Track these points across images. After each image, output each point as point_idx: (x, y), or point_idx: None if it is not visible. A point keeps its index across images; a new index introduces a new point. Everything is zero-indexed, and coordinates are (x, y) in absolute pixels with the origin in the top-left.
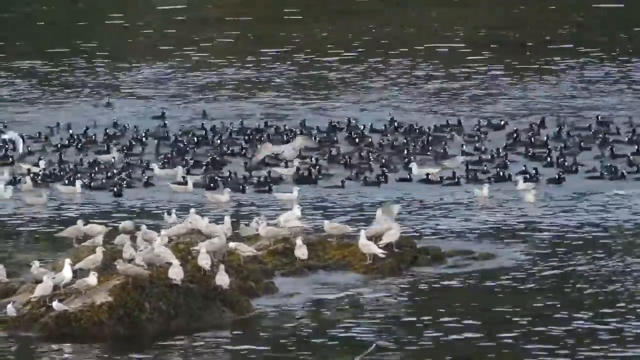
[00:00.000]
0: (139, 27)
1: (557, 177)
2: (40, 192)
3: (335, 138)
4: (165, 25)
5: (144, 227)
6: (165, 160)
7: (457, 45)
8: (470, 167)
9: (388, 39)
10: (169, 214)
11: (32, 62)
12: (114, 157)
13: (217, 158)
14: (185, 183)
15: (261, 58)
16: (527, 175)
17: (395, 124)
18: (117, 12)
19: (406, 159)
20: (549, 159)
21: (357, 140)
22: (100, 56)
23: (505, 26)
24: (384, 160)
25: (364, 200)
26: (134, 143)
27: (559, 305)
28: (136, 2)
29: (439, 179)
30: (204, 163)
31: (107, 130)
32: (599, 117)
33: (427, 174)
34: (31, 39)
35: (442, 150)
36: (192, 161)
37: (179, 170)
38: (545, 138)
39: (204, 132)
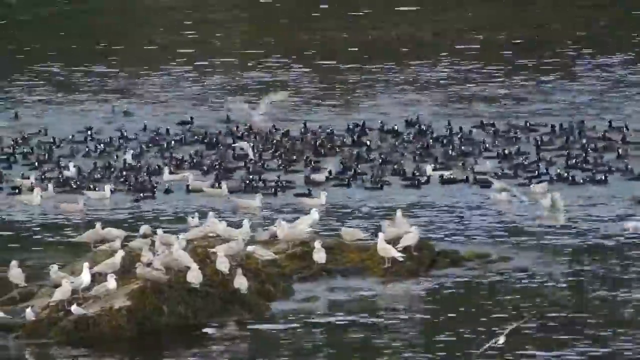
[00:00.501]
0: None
1: (600, 178)
2: (76, 197)
3: (368, 140)
4: (180, 27)
5: (160, 231)
6: (175, 164)
7: (476, 46)
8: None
9: (406, 39)
10: (192, 217)
11: (51, 65)
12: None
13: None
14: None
15: (279, 60)
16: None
17: (421, 126)
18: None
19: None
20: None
21: (394, 141)
22: (117, 60)
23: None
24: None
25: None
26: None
27: (578, 308)
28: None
29: (451, 180)
30: (212, 167)
31: (125, 134)
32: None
33: (441, 175)
34: (49, 41)
35: (472, 153)
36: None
37: (190, 176)
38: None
39: (215, 136)
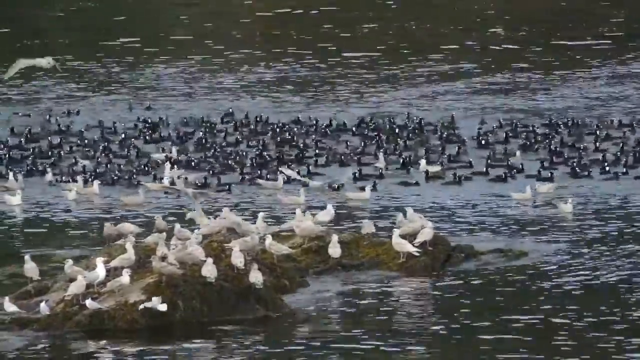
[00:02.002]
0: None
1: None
2: (137, 191)
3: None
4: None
5: (177, 225)
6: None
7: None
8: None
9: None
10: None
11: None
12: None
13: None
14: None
15: (295, 55)
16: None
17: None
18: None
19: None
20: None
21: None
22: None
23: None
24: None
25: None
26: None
27: (592, 304)
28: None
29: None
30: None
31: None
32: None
33: (427, 171)
34: (70, 36)
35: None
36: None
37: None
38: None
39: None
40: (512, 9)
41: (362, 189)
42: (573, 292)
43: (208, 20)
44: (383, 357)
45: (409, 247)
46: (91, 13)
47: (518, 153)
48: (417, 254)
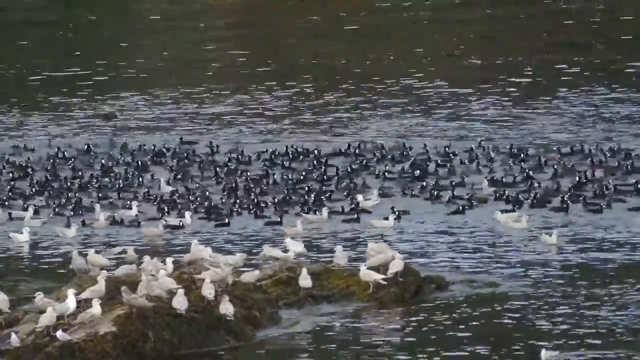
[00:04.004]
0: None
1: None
2: (156, 223)
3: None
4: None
5: (147, 257)
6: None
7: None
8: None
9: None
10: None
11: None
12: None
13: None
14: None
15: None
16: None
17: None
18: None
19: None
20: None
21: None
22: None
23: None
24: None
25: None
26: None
27: (565, 334)
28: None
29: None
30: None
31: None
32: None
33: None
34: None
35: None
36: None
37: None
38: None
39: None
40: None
41: (386, 218)
42: (542, 323)
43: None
44: None
45: (376, 276)
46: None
47: (485, 183)
48: (384, 282)
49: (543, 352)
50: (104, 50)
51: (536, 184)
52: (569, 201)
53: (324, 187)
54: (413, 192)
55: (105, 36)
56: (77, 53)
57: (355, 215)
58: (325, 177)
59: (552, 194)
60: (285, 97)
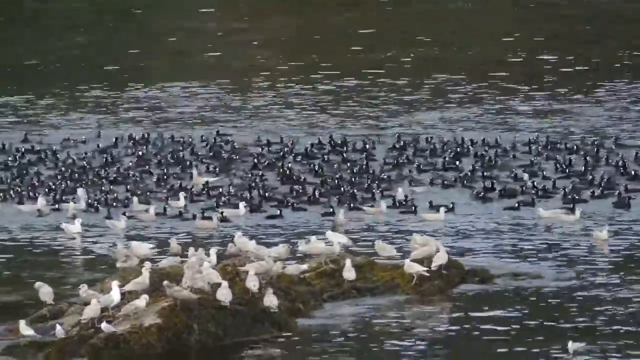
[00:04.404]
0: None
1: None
2: (211, 215)
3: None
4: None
5: (191, 249)
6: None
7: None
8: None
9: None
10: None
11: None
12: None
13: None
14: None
15: (312, 76)
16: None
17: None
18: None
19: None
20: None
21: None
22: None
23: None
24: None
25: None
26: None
27: (608, 327)
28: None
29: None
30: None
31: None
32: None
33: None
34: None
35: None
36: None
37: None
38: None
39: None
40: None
41: (437, 210)
42: (589, 316)
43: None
44: None
45: (419, 269)
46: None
47: (526, 176)
48: (428, 275)
49: (570, 344)
50: (148, 43)
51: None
52: (628, 196)
53: (379, 177)
54: (460, 183)
55: (150, 30)
56: (120, 46)
57: (413, 208)
58: (380, 169)
59: (612, 186)
60: (329, 90)
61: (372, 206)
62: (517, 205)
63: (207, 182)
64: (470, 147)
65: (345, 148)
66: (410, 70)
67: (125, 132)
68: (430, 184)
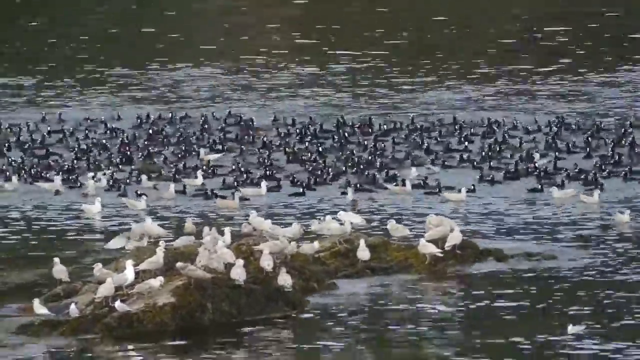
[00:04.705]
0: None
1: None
2: (232, 195)
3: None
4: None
5: (206, 228)
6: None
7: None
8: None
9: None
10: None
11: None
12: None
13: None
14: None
15: (321, 58)
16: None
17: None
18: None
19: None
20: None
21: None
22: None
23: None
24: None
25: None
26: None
27: (625, 308)
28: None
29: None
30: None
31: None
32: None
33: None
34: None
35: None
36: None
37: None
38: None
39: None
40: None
41: (459, 190)
42: (603, 297)
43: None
44: (409, 359)
45: (433, 249)
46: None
47: (537, 156)
48: (441, 255)
49: (570, 327)
50: (164, 24)
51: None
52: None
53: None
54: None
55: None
56: (139, 26)
57: (438, 190)
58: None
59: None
60: (344, 70)
61: (397, 185)
62: (540, 187)
63: (208, 162)
64: (486, 127)
65: (351, 129)
66: (427, 51)
67: (139, 111)
68: (443, 165)
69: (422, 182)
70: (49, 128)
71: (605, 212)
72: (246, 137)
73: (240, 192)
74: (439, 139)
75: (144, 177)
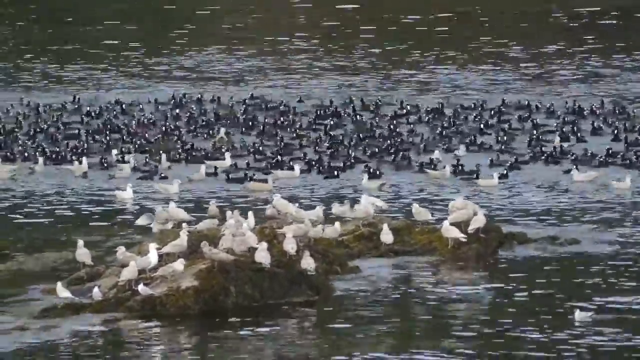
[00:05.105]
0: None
1: None
2: (266, 178)
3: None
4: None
5: (229, 212)
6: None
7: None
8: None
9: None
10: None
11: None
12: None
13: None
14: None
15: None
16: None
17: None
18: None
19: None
20: None
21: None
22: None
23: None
24: None
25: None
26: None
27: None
28: None
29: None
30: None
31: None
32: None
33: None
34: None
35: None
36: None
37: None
38: None
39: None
40: None
41: (491, 175)
42: (625, 281)
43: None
44: (432, 342)
45: (456, 234)
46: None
47: (557, 140)
48: (465, 240)
49: (577, 313)
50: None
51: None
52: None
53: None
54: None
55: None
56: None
57: (475, 175)
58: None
59: None
60: (369, 52)
61: (434, 168)
62: (569, 169)
63: (221, 138)
64: (524, 110)
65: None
66: (451, 32)
67: (162, 93)
68: (467, 148)
69: (458, 167)
70: (74, 107)
71: (636, 197)
72: (275, 119)
73: (276, 175)
74: (467, 122)
75: (163, 156)
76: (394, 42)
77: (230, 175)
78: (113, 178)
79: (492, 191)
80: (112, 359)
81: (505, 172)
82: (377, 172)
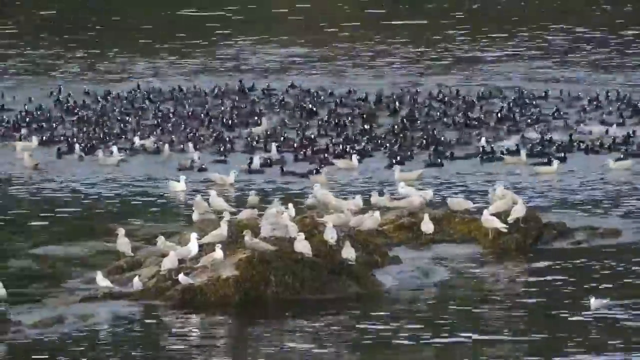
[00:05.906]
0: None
1: None
2: (323, 170)
3: None
4: None
5: (275, 201)
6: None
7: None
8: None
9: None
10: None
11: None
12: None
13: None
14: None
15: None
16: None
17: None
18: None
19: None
20: None
21: None
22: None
23: None
24: None
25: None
26: None
27: None
28: None
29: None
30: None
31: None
32: None
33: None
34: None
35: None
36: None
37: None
38: None
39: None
40: None
41: (549, 162)
42: None
43: None
44: (471, 334)
45: (497, 224)
46: None
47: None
48: (505, 230)
49: (592, 300)
50: None
51: None
52: None
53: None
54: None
55: None
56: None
57: (548, 160)
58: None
59: None
60: (405, 42)
61: (507, 153)
62: (622, 156)
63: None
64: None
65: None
66: (493, 21)
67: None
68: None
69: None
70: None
71: None
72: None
73: (336, 165)
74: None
75: (190, 145)
76: (439, 29)
77: (284, 168)
78: (184, 169)
79: (550, 178)
80: (152, 347)
81: (564, 156)
82: (439, 161)
